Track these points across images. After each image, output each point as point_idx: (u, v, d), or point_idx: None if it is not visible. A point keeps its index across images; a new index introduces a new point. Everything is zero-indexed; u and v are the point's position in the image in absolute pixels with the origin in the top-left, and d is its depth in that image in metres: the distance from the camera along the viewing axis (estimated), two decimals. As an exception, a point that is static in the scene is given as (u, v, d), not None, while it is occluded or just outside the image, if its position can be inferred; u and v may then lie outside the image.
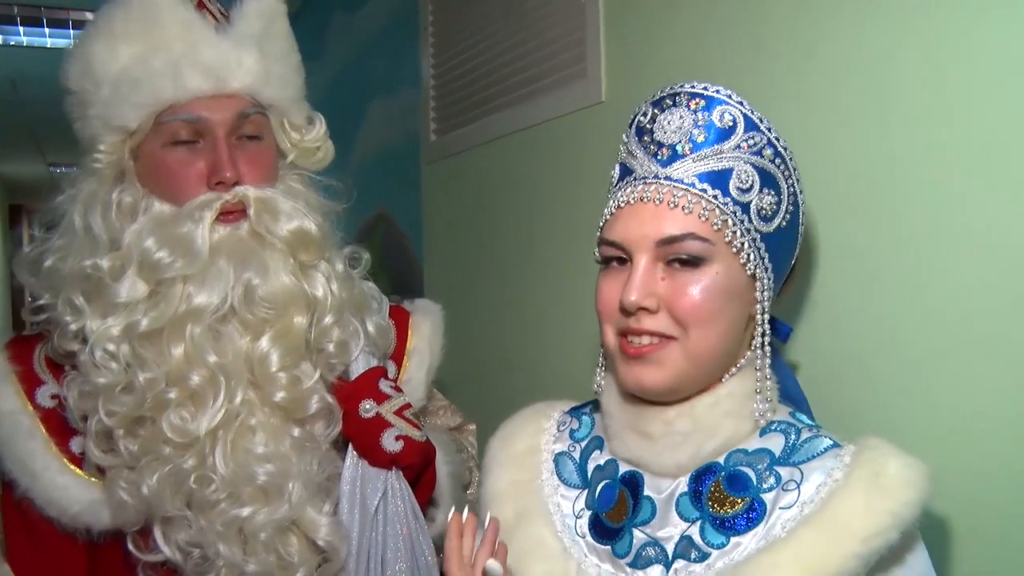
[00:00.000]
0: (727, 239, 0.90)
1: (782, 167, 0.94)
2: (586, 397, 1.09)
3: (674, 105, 0.93)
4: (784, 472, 0.90)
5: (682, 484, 0.93)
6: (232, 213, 1.11)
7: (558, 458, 1.04)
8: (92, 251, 1.10)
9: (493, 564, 0.90)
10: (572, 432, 1.06)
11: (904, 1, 1.05)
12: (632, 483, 0.96)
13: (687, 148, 0.91)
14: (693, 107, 0.92)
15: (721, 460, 0.92)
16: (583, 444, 1.04)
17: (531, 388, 1.86)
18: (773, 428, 0.93)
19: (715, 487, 0.91)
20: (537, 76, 1.84)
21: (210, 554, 1.06)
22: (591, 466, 1.01)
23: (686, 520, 0.91)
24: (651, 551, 0.92)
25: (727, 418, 0.93)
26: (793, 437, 0.92)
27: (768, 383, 0.94)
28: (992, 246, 0.97)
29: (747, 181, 0.91)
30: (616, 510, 0.96)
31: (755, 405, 0.93)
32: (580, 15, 1.67)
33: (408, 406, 1.19)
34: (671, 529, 0.92)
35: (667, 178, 0.91)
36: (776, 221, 0.94)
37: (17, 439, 1.11)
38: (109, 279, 1.08)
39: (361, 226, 2.80)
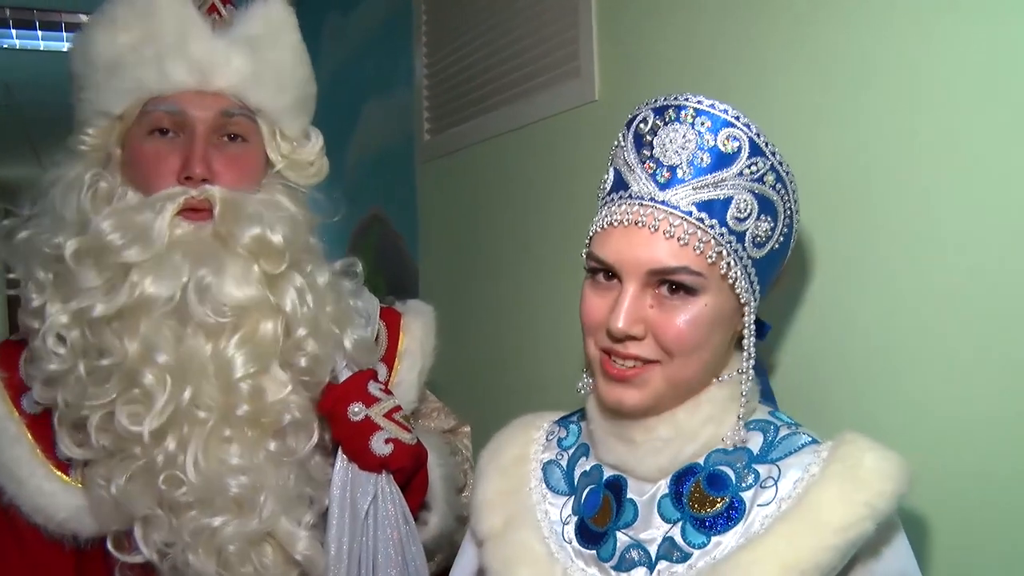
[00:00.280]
0: (721, 271, 0.89)
1: (782, 191, 0.93)
2: (582, 398, 1.08)
3: (677, 119, 0.90)
4: (762, 470, 0.90)
5: (663, 486, 0.93)
6: (199, 211, 1.10)
7: (546, 467, 1.04)
8: (59, 231, 1.09)
9: None
10: (560, 441, 1.06)
11: (895, 2, 1.04)
12: (615, 487, 0.96)
13: (688, 172, 0.89)
14: (698, 127, 0.89)
15: (701, 461, 0.93)
16: (570, 452, 1.04)
17: (527, 388, 1.85)
18: (751, 427, 0.94)
19: (695, 488, 0.91)
20: (530, 75, 1.83)
21: (178, 563, 1.05)
22: (578, 473, 1.01)
23: (668, 521, 0.91)
24: (634, 553, 0.92)
25: (708, 423, 0.93)
26: (771, 435, 0.92)
27: (746, 401, 0.93)
28: (976, 248, 0.97)
29: (745, 210, 0.90)
30: (601, 514, 0.96)
31: (738, 420, 0.93)
32: (573, 14, 1.66)
33: (398, 409, 1.18)
34: (654, 531, 0.92)
35: (664, 203, 0.88)
36: (769, 245, 0.93)
37: (2, 446, 1.10)
38: (72, 262, 1.07)
39: (356, 227, 2.80)
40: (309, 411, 1.14)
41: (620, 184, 0.93)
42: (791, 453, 0.90)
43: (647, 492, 0.94)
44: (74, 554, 1.11)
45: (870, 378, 1.09)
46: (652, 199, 0.89)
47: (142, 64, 1.10)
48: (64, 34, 4.48)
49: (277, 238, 1.12)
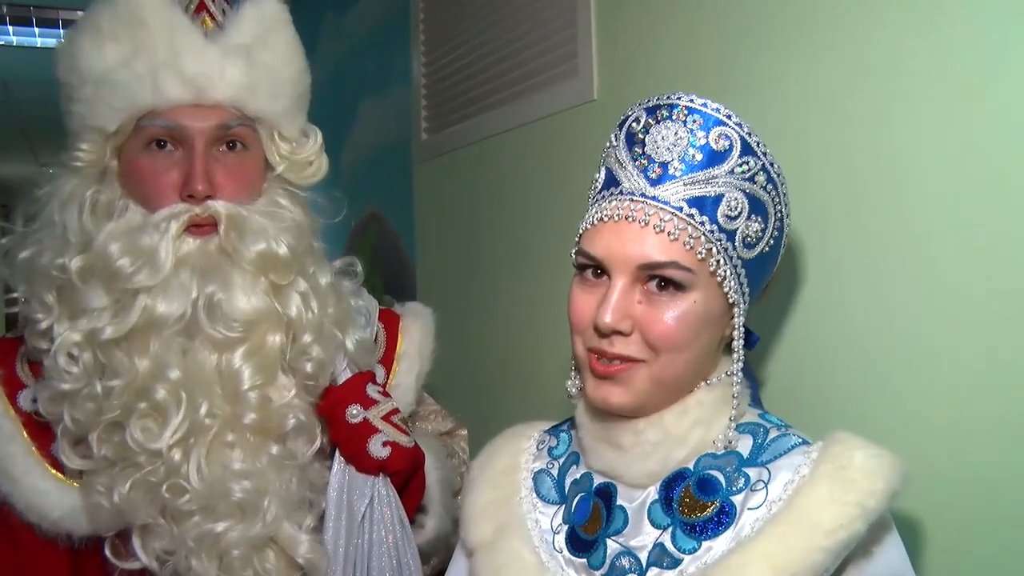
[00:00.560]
0: (711, 268, 0.88)
1: (773, 192, 0.92)
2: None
3: (669, 118, 0.90)
4: (752, 473, 0.89)
5: (653, 492, 0.92)
6: (203, 226, 1.09)
7: (537, 476, 1.04)
8: (63, 250, 1.08)
9: None
10: (551, 450, 1.05)
11: (890, 3, 1.04)
12: (605, 494, 0.95)
13: (679, 168, 0.88)
14: (690, 125, 0.89)
15: (691, 465, 0.92)
16: (561, 461, 1.03)
17: (525, 389, 1.85)
18: (741, 430, 0.93)
19: (685, 492, 0.90)
20: (529, 74, 1.82)
21: (181, 568, 1.05)
22: (568, 481, 1.01)
23: (658, 527, 0.90)
24: (625, 561, 0.91)
25: (696, 427, 0.92)
26: (761, 437, 0.91)
27: (738, 403, 0.92)
28: (968, 251, 0.97)
29: (736, 208, 0.89)
30: (591, 522, 0.95)
31: (729, 423, 0.92)
32: (572, 13, 1.66)
33: (396, 411, 1.17)
34: (644, 537, 0.91)
35: (655, 199, 0.88)
36: (759, 247, 0.92)
37: None
38: (78, 281, 1.06)
39: (353, 226, 2.79)
40: (312, 414, 1.14)
41: (611, 182, 0.93)
42: (781, 455, 0.89)
43: (637, 499, 0.93)
44: (68, 553, 1.10)
45: (863, 382, 1.09)
46: (643, 195, 0.89)
47: (134, 80, 1.07)
48: (61, 31, 4.47)
49: (283, 250, 1.11)
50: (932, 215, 1.00)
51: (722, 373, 0.94)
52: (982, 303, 0.96)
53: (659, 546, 0.89)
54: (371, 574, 1.12)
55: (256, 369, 1.08)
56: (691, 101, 0.90)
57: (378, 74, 2.65)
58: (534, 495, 1.02)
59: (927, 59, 1.01)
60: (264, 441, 1.09)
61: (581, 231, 0.94)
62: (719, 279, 0.89)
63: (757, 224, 0.91)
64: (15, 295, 1.12)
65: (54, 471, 1.09)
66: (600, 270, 0.91)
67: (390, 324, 1.33)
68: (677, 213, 0.87)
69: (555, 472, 1.03)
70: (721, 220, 0.88)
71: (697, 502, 0.89)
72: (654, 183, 0.89)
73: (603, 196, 0.93)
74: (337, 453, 1.15)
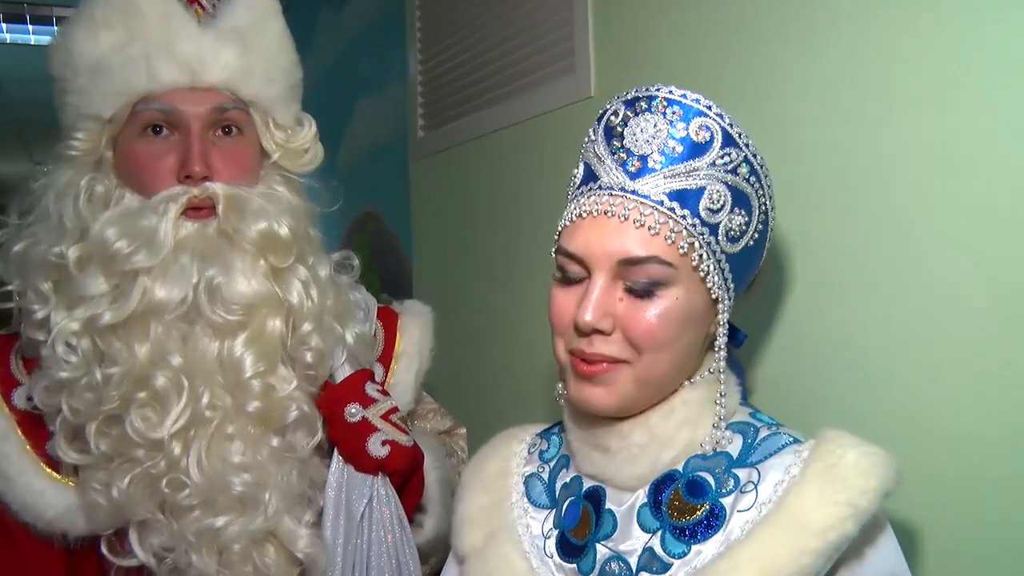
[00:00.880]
0: (693, 263, 0.86)
1: (756, 185, 0.90)
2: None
3: (649, 110, 0.88)
4: (742, 474, 0.87)
5: (642, 495, 0.90)
6: (202, 209, 1.09)
7: (528, 480, 1.02)
8: (60, 239, 1.08)
9: None
10: (541, 453, 1.04)
11: (892, 1, 1.04)
12: (594, 497, 0.94)
13: (659, 161, 0.86)
14: (669, 116, 0.87)
15: (680, 467, 0.90)
16: (551, 464, 1.02)
17: (521, 388, 1.85)
18: (731, 430, 0.91)
19: (674, 495, 0.88)
20: (525, 71, 1.82)
21: (181, 564, 1.04)
22: (559, 485, 0.99)
23: (647, 531, 0.89)
24: (615, 566, 0.89)
25: (683, 427, 0.90)
26: (751, 437, 0.90)
27: (724, 401, 0.90)
28: (963, 248, 0.96)
29: (719, 201, 0.87)
30: (581, 526, 0.93)
31: (712, 428, 0.90)
32: (568, 9, 1.65)
33: (395, 410, 1.17)
34: (633, 542, 0.89)
35: (635, 192, 0.86)
36: (743, 241, 0.90)
37: None
38: (75, 270, 1.06)
39: (349, 224, 2.78)
40: (313, 406, 1.14)
41: (590, 177, 0.91)
42: (771, 455, 0.87)
43: (626, 502, 0.91)
44: (64, 553, 1.09)
45: (857, 380, 1.08)
46: (622, 189, 0.86)
47: (129, 65, 1.07)
48: (55, 28, 4.46)
49: (284, 231, 1.11)
50: (927, 212, 1.00)
51: (706, 371, 0.92)
52: (977, 301, 0.95)
53: (649, 550, 0.87)
54: (370, 574, 1.11)
55: (258, 356, 1.08)
56: (670, 92, 0.88)
57: (374, 72, 2.64)
58: (525, 499, 1.00)
59: (923, 56, 1.01)
60: (264, 433, 1.09)
61: (560, 228, 0.92)
62: (702, 274, 0.86)
63: (741, 217, 0.89)
64: (7, 289, 1.11)
65: (49, 470, 1.08)
66: (580, 269, 0.88)
67: (388, 322, 1.32)
68: (658, 207, 0.85)
69: (546, 476, 1.01)
70: (703, 213, 0.86)
71: (686, 505, 0.87)
72: (634, 176, 0.86)
73: (582, 192, 0.91)
74: (335, 452, 1.14)
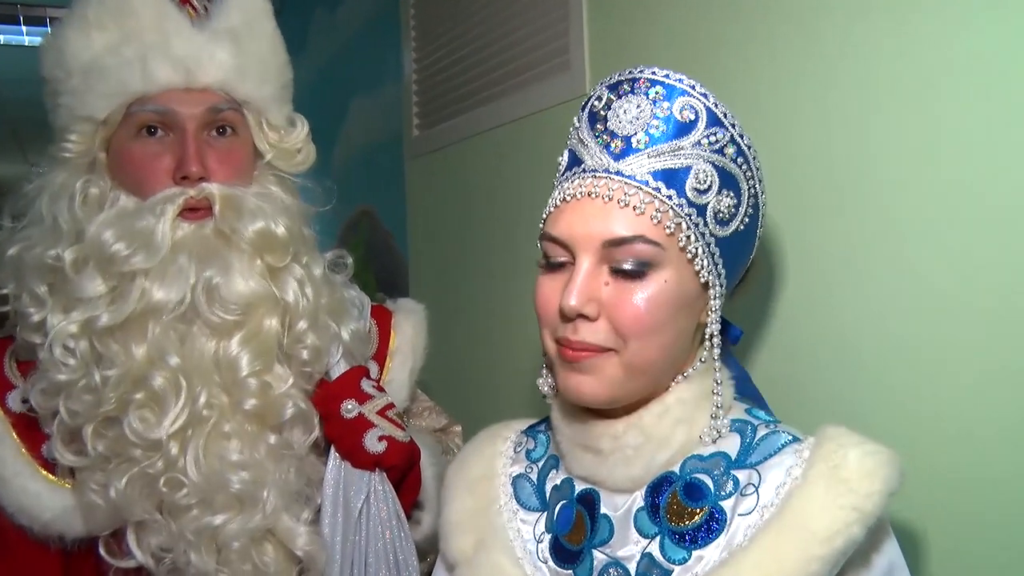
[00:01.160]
0: (680, 244, 0.83)
1: (744, 166, 0.88)
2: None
3: (632, 92, 0.86)
4: (742, 475, 0.84)
5: (639, 498, 0.88)
6: (197, 210, 1.09)
7: (516, 481, 0.99)
8: (56, 242, 1.07)
9: None
10: (528, 452, 1.01)
11: (889, 1, 1.04)
12: (588, 501, 0.91)
13: (643, 141, 0.84)
14: (652, 96, 0.85)
15: (676, 469, 0.87)
16: (540, 464, 0.99)
17: (517, 386, 1.85)
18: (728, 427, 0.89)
19: (672, 499, 0.86)
20: (520, 69, 1.82)
21: (180, 563, 1.04)
22: (549, 486, 0.96)
23: (646, 536, 0.86)
24: (613, 572, 0.87)
25: (679, 426, 0.87)
26: (749, 436, 0.87)
27: (721, 390, 0.88)
28: (961, 245, 0.96)
29: (705, 181, 0.84)
30: (575, 531, 0.91)
31: (710, 420, 0.88)
32: (563, 7, 1.65)
33: (391, 406, 1.17)
34: (631, 547, 0.86)
35: (618, 173, 0.83)
36: (733, 225, 0.88)
37: None
38: (71, 272, 1.06)
39: (344, 223, 2.78)
40: (309, 403, 1.13)
41: (574, 162, 0.89)
42: (771, 455, 0.84)
43: (622, 506, 0.88)
44: (61, 555, 1.09)
45: (853, 379, 1.08)
46: (606, 170, 0.84)
47: (124, 66, 1.07)
48: (49, 29, 4.44)
49: (281, 230, 1.11)
50: (921, 209, 1.00)
51: (697, 362, 0.89)
52: (973, 297, 0.95)
53: (647, 556, 0.85)
54: (368, 570, 1.11)
55: (254, 355, 1.08)
56: (653, 73, 0.87)
57: (368, 71, 2.64)
58: (514, 502, 0.98)
59: (919, 55, 1.01)
60: (261, 431, 1.09)
61: (544, 216, 0.89)
62: (689, 256, 0.84)
63: (729, 199, 0.87)
64: (2, 293, 1.10)
65: (45, 472, 1.08)
66: (565, 254, 0.86)
67: (382, 320, 1.32)
68: (642, 187, 0.83)
69: (534, 477, 0.98)
70: (690, 194, 0.84)
71: (685, 509, 0.85)
72: (617, 157, 0.84)
73: (566, 177, 0.89)
74: (332, 449, 1.14)
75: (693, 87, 0.86)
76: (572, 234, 0.85)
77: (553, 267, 0.88)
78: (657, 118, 0.85)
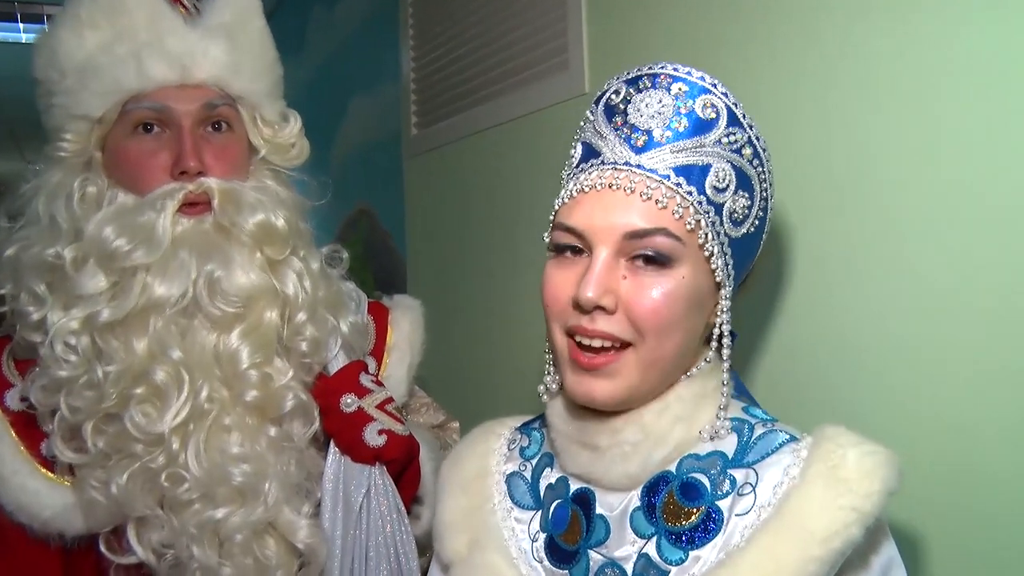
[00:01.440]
0: (699, 240, 0.83)
1: (759, 169, 0.88)
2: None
3: (653, 87, 0.86)
4: (739, 475, 0.84)
5: (635, 498, 0.87)
6: (196, 205, 1.09)
7: (510, 479, 0.98)
8: (54, 241, 1.08)
9: None
10: (522, 450, 1.00)
11: (889, 1, 1.04)
12: (583, 501, 0.90)
13: (665, 136, 0.84)
14: (675, 92, 0.85)
15: (673, 468, 0.87)
16: (534, 462, 0.98)
17: (515, 385, 1.85)
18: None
19: (668, 498, 0.85)
20: (519, 68, 1.82)
21: (183, 557, 1.04)
22: (543, 485, 0.95)
23: (642, 536, 0.85)
24: (610, 572, 0.86)
25: (678, 423, 0.86)
26: (746, 435, 0.86)
27: (727, 390, 0.88)
28: (962, 244, 0.96)
29: (724, 180, 0.84)
30: (570, 531, 0.90)
31: (713, 418, 0.87)
32: (562, 6, 1.65)
33: (390, 400, 1.17)
34: (628, 548, 0.86)
35: (640, 166, 0.83)
36: (745, 226, 0.88)
37: None
38: (71, 270, 1.06)
39: (342, 222, 2.78)
40: (309, 394, 1.14)
41: (591, 154, 0.88)
42: (769, 454, 0.84)
43: (617, 506, 0.88)
44: (61, 553, 1.09)
45: (856, 377, 1.08)
46: (627, 163, 0.84)
47: (118, 64, 1.07)
48: (46, 26, 4.43)
49: (280, 223, 1.12)
50: (922, 209, 1.00)
51: (703, 363, 0.89)
52: (974, 297, 0.95)
53: (644, 557, 0.85)
54: (368, 564, 1.11)
55: (255, 348, 1.08)
56: (675, 69, 0.86)
57: (366, 69, 2.64)
58: (508, 500, 0.97)
59: (918, 53, 1.01)
60: (262, 423, 1.09)
61: (557, 207, 0.89)
62: (707, 253, 0.84)
63: (744, 200, 0.87)
64: (0, 293, 1.10)
65: (44, 470, 1.08)
66: (579, 248, 0.85)
67: (379, 316, 1.32)
68: (664, 181, 0.82)
69: (528, 475, 0.98)
70: (709, 191, 0.84)
71: (681, 508, 0.84)
72: (639, 151, 0.84)
73: (581, 169, 0.88)
74: (332, 444, 1.14)
75: (715, 85, 0.86)
76: (591, 225, 0.84)
77: (564, 257, 0.87)
78: (679, 114, 0.85)
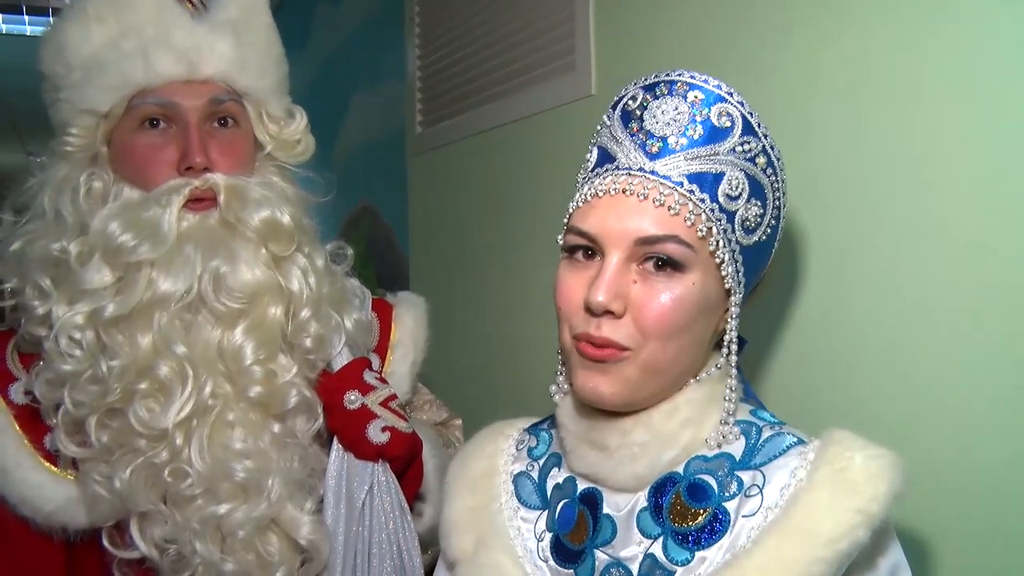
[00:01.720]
0: (710, 248, 0.84)
1: (772, 178, 0.89)
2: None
3: (669, 94, 0.87)
4: (746, 477, 0.84)
5: (642, 498, 0.87)
6: (202, 201, 1.09)
7: (517, 479, 0.99)
8: (60, 235, 1.08)
9: None
10: (530, 450, 1.01)
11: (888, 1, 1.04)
12: (591, 501, 0.91)
13: (680, 143, 0.85)
14: (691, 99, 0.86)
15: (680, 469, 0.87)
16: (541, 462, 0.98)
17: (517, 383, 1.85)
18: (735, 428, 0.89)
19: (675, 499, 0.85)
20: (525, 68, 1.82)
21: (186, 552, 1.04)
22: (550, 484, 0.96)
23: (648, 537, 0.86)
24: (615, 572, 0.86)
25: (687, 425, 0.87)
26: (754, 437, 0.87)
27: (733, 396, 0.88)
28: (974, 243, 0.96)
29: (737, 188, 0.85)
30: (576, 531, 0.90)
31: (719, 424, 0.87)
32: (570, 6, 1.65)
33: (394, 397, 1.17)
34: (634, 548, 0.86)
35: (654, 173, 0.84)
36: (757, 234, 0.89)
37: None
38: (76, 264, 1.06)
39: (345, 218, 2.78)
40: (313, 391, 1.14)
41: (606, 159, 0.89)
42: (776, 457, 0.84)
43: (624, 507, 0.88)
44: (64, 547, 1.09)
45: (868, 385, 1.08)
46: (641, 169, 0.85)
47: (125, 59, 1.07)
48: (51, 19, 4.44)
49: (286, 219, 1.12)
50: (939, 217, 1.00)
51: (712, 368, 0.90)
52: (992, 309, 0.95)
53: (650, 557, 0.85)
54: (371, 561, 1.11)
55: (259, 344, 1.08)
56: (692, 77, 0.87)
57: (371, 66, 2.64)
58: (515, 500, 0.97)
59: (930, 49, 1.00)
60: (265, 419, 1.09)
61: (571, 210, 0.89)
62: (718, 261, 0.85)
63: (756, 208, 0.87)
64: (3, 287, 1.11)
65: (47, 464, 1.08)
66: (591, 251, 0.86)
67: (383, 313, 1.33)
68: (677, 188, 0.83)
69: (535, 474, 0.98)
70: (722, 199, 0.85)
71: (688, 509, 0.85)
72: (653, 157, 0.85)
73: (596, 173, 0.89)
74: (335, 441, 1.14)
75: (731, 94, 0.87)
76: (604, 229, 0.84)
77: (576, 260, 0.88)
78: (695, 121, 0.85)
